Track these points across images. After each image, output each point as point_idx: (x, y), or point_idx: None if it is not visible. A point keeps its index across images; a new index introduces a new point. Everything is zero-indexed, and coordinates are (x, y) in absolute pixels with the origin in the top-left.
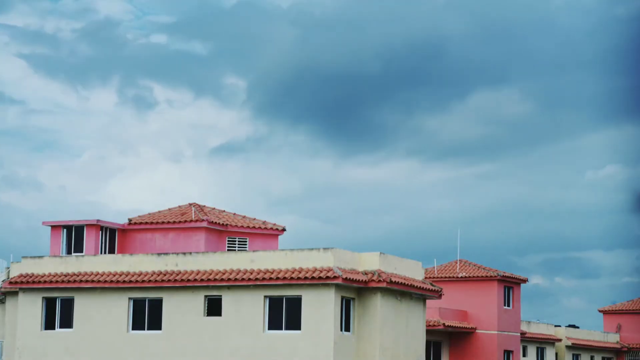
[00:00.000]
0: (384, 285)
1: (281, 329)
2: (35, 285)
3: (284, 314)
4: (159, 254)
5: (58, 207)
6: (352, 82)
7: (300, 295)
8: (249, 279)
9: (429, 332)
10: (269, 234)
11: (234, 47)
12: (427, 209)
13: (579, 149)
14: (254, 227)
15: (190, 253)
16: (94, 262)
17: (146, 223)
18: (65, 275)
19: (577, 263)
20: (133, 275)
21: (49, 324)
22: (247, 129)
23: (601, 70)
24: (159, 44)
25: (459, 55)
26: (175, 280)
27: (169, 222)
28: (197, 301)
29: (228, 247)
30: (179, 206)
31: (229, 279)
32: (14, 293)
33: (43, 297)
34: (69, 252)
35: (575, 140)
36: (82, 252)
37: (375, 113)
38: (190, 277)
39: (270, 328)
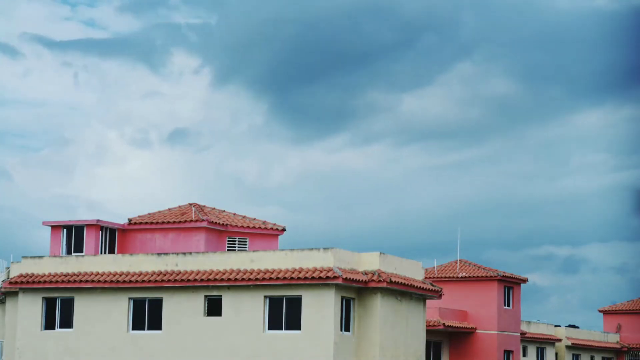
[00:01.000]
0: (384, 285)
1: (281, 329)
2: (35, 285)
3: (284, 314)
4: (159, 254)
5: (30, 202)
6: (316, 54)
7: (300, 295)
8: (249, 279)
9: (429, 332)
10: (269, 234)
11: (181, 17)
12: (406, 200)
13: (569, 131)
14: (254, 227)
15: (190, 253)
16: (94, 262)
17: (146, 223)
18: (65, 275)
19: (569, 258)
20: (133, 275)
21: (49, 324)
22: (206, 110)
23: (593, 46)
24: (100, 19)
25: (437, 28)
26: (175, 280)
27: (169, 222)
28: (197, 301)
29: (228, 247)
30: (179, 206)
31: (229, 279)
32: (14, 293)
33: (43, 297)
34: (69, 252)
35: (564, 122)
36: (82, 252)
37: (340, 89)
38: (190, 277)
39: (270, 328)
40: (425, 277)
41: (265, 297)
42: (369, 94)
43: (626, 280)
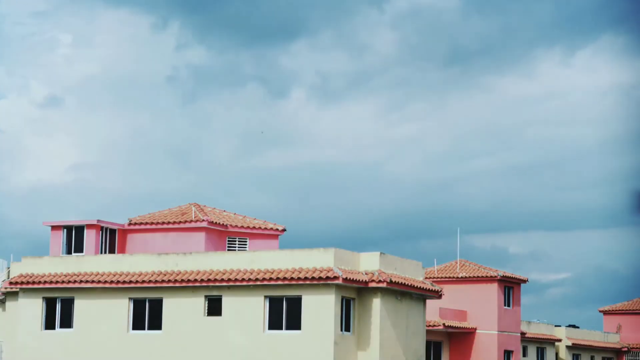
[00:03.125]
0: (384, 285)
1: (281, 329)
2: (35, 285)
3: (284, 314)
4: (159, 254)
5: None
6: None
7: (301, 295)
8: (249, 279)
9: (429, 332)
10: (269, 234)
11: None
12: (361, 181)
13: (548, 81)
14: (254, 227)
15: (190, 253)
16: (94, 262)
17: (146, 223)
18: (66, 276)
19: (556, 250)
20: (133, 275)
21: (49, 324)
22: (108, 62)
23: None
24: None
25: None
26: (175, 280)
27: (169, 222)
28: (197, 301)
29: (228, 247)
30: (179, 206)
31: (229, 279)
32: (14, 293)
33: (43, 297)
34: (69, 252)
35: (534, 69)
36: (82, 252)
37: (261, 28)
38: (190, 277)
39: (270, 328)
40: (425, 277)
41: (266, 297)
42: (291, 40)
43: (622, 276)
